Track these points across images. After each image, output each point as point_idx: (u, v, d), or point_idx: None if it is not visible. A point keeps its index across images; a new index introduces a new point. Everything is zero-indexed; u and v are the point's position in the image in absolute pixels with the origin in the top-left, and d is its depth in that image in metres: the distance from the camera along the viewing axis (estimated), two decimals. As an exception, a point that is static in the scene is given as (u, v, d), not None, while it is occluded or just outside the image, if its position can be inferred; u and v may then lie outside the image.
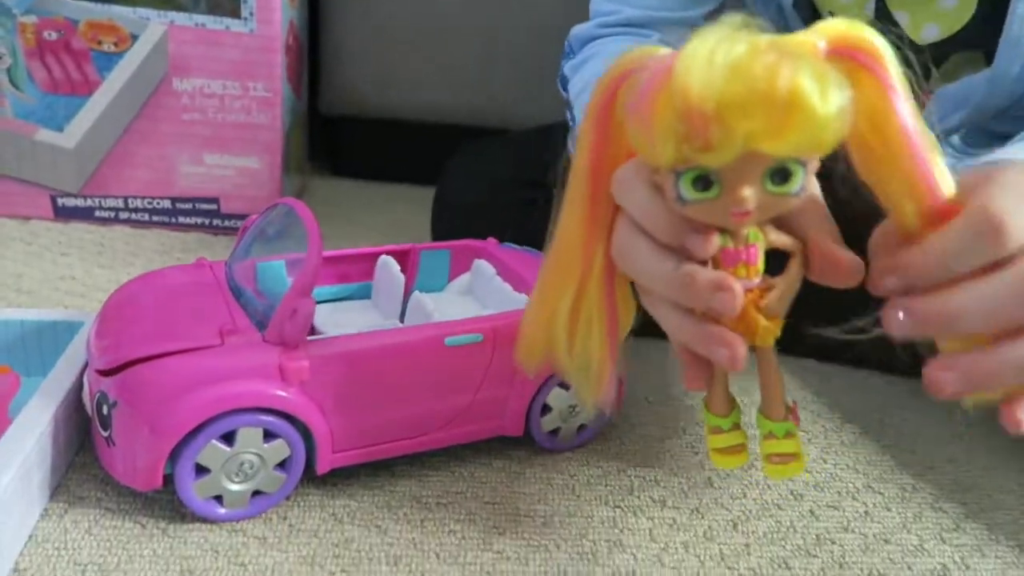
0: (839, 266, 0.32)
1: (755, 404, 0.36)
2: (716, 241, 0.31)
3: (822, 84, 0.27)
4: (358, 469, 0.46)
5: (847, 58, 0.30)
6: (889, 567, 0.43)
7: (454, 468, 0.48)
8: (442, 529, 0.43)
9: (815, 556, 0.43)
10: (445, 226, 0.74)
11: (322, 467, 0.43)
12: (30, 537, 0.39)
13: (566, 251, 0.35)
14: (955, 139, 0.56)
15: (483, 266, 0.54)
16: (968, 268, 0.30)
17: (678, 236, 0.32)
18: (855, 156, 0.33)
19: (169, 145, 0.77)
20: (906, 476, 0.51)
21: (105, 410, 0.40)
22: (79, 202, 0.78)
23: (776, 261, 0.33)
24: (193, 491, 0.40)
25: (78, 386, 0.45)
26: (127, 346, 0.41)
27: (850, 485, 0.50)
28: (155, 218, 0.79)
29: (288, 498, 0.44)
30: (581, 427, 0.50)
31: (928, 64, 0.57)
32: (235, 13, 0.74)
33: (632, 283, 0.36)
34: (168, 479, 0.40)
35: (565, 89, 0.62)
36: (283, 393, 0.41)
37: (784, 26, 0.61)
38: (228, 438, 0.40)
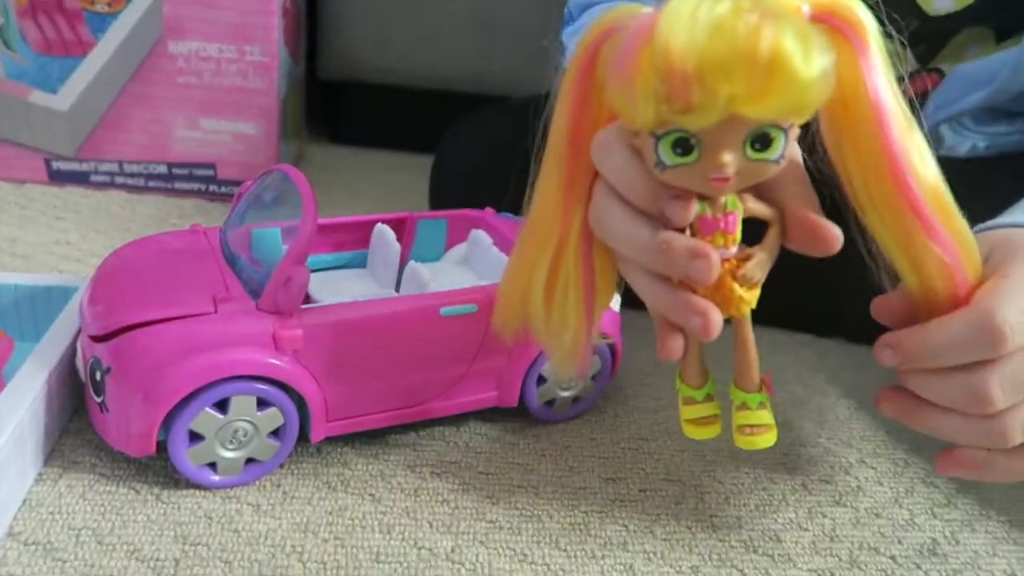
0: (818, 235, 0.32)
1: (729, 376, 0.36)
2: (695, 208, 0.31)
3: (805, 46, 0.26)
4: (352, 438, 0.46)
5: (828, 25, 0.29)
6: (879, 541, 0.43)
7: (448, 438, 0.48)
8: (435, 498, 0.43)
9: (806, 529, 0.44)
10: (443, 194, 0.73)
11: (316, 436, 0.43)
12: (24, 501, 0.39)
13: (543, 217, 0.35)
14: (965, 117, 0.55)
15: (480, 236, 0.54)
16: (960, 362, 0.34)
17: (656, 202, 0.31)
18: (824, 130, 0.32)
19: (165, 109, 0.76)
20: (899, 451, 0.51)
21: (98, 376, 0.40)
22: (74, 166, 0.77)
23: (753, 231, 0.33)
24: (187, 458, 0.40)
25: (72, 351, 0.44)
26: (120, 312, 0.41)
27: (843, 460, 0.50)
28: (151, 183, 0.79)
29: (282, 466, 0.44)
30: (576, 398, 0.50)
31: (937, 36, 0.57)
32: (231, -26, 0.73)
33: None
34: (162, 445, 0.40)
35: (564, 56, 0.61)
36: (277, 361, 0.41)
37: None
38: (222, 406, 0.40)
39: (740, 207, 0.32)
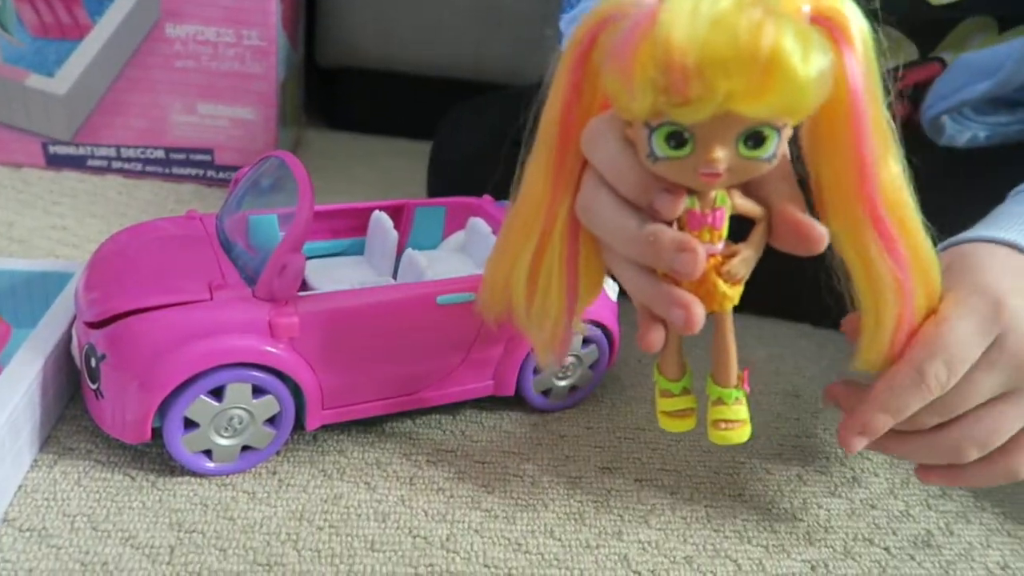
0: (804, 234, 0.32)
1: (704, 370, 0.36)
2: (684, 202, 0.31)
3: (804, 46, 0.26)
4: (348, 425, 0.46)
5: (825, 28, 0.29)
6: (874, 532, 0.43)
7: (445, 426, 0.48)
8: (431, 487, 0.43)
9: (801, 520, 0.44)
10: (441, 182, 0.73)
11: (311, 424, 0.43)
12: (19, 487, 0.39)
13: (531, 203, 0.35)
14: (966, 108, 0.55)
15: (478, 224, 0.53)
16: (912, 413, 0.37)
17: (646, 194, 0.31)
18: (803, 130, 0.33)
19: (162, 93, 0.76)
20: (895, 442, 0.51)
21: (93, 363, 0.40)
22: (71, 150, 0.77)
23: (737, 228, 0.33)
24: (182, 445, 0.40)
25: (67, 337, 0.44)
26: (115, 299, 0.41)
27: (839, 450, 0.50)
28: (148, 168, 0.78)
29: (278, 453, 0.44)
30: (573, 387, 0.50)
31: (939, 25, 0.56)
32: (229, -43, 0.72)
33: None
34: (157, 432, 0.40)
35: (561, 44, 0.60)
36: (272, 349, 0.40)
37: None
38: (217, 393, 0.40)
39: (728, 203, 0.32)
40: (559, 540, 0.40)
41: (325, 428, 0.45)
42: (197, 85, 0.76)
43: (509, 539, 0.40)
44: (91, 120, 0.76)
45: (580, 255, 0.36)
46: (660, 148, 0.29)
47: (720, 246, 0.32)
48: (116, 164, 0.78)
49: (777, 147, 0.29)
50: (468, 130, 0.75)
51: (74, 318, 0.44)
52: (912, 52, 0.57)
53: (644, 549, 0.41)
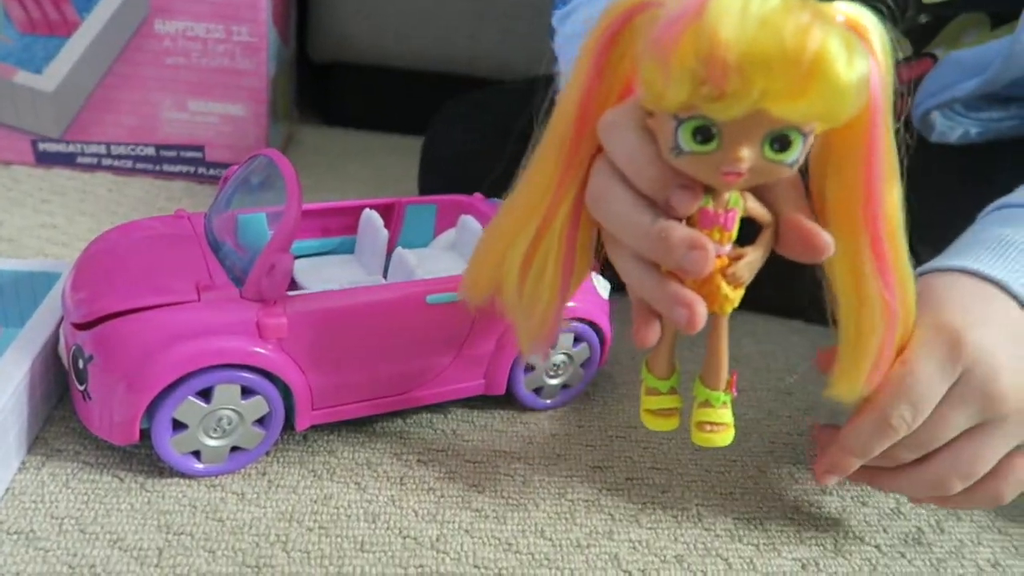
0: (811, 243, 0.32)
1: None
2: (700, 199, 0.31)
3: (849, 51, 0.26)
4: (339, 425, 0.46)
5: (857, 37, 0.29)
6: (865, 529, 0.43)
7: (436, 425, 0.47)
8: (421, 487, 0.43)
9: (792, 518, 0.44)
10: (433, 179, 0.73)
11: (301, 424, 0.43)
12: (7, 490, 0.39)
13: (537, 186, 0.34)
14: (957, 104, 0.55)
15: (469, 221, 0.53)
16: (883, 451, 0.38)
17: (664, 188, 0.31)
18: (816, 142, 0.32)
19: (152, 90, 0.75)
20: (887, 439, 0.51)
21: (81, 364, 0.40)
22: (61, 147, 0.77)
23: (740, 231, 0.33)
24: (170, 446, 0.40)
25: (55, 338, 0.44)
26: (103, 300, 0.40)
27: (831, 448, 0.50)
28: (139, 165, 0.78)
29: (268, 453, 0.44)
30: (564, 386, 0.50)
31: (933, 21, 0.56)
32: (218, -48, 0.71)
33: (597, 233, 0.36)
34: (146, 433, 0.40)
35: (553, 40, 0.60)
36: (260, 350, 0.40)
37: None
38: (206, 394, 0.40)
39: (742, 205, 0.32)
40: (549, 540, 0.40)
41: (315, 428, 0.45)
42: (187, 82, 0.75)
43: (499, 539, 0.40)
44: (81, 117, 0.76)
45: (578, 244, 0.35)
46: (686, 142, 0.29)
47: (728, 247, 0.32)
48: (106, 161, 0.77)
49: (800, 153, 0.29)
50: (460, 126, 0.74)
51: (62, 319, 0.44)
52: (906, 48, 0.57)
53: (635, 548, 0.40)
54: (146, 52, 0.74)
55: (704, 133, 0.28)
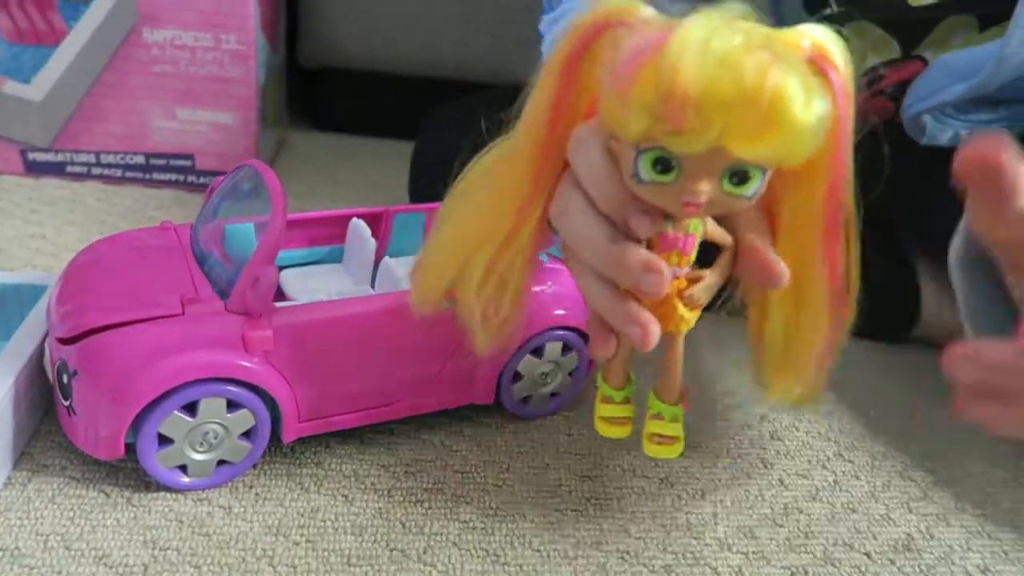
0: (768, 271, 0.32)
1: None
2: (659, 224, 0.31)
3: (807, 93, 0.27)
4: (327, 436, 0.46)
5: (818, 68, 0.29)
6: (854, 537, 0.43)
7: (424, 436, 0.47)
8: (409, 498, 0.42)
9: (781, 526, 0.44)
10: (424, 183, 0.73)
11: (288, 436, 0.43)
12: (-8, 506, 0.39)
13: (502, 198, 0.34)
14: (947, 107, 0.55)
15: (457, 230, 0.53)
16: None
17: (622, 209, 0.31)
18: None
19: (141, 99, 0.75)
20: (877, 444, 0.51)
21: (65, 379, 0.40)
22: (50, 157, 0.76)
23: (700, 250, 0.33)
24: (156, 461, 0.40)
25: (41, 351, 0.44)
26: (86, 314, 0.40)
27: (821, 454, 0.50)
28: (128, 174, 0.78)
29: (255, 466, 0.43)
30: (553, 394, 0.50)
31: (922, 24, 0.56)
32: (206, -40, 0.71)
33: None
34: (131, 448, 0.40)
35: (542, 45, 0.60)
36: (246, 363, 0.40)
37: None
38: (191, 408, 0.40)
39: (701, 231, 0.32)
40: (537, 551, 0.40)
41: (302, 440, 0.45)
42: (176, 90, 0.75)
43: (487, 550, 0.40)
44: (69, 126, 0.75)
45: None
46: (646, 171, 0.29)
47: (685, 269, 0.32)
48: (96, 170, 0.77)
49: (759, 187, 0.30)
50: (450, 131, 0.74)
51: (47, 332, 0.44)
52: (895, 50, 0.57)
53: (623, 559, 0.40)
54: (134, 61, 0.74)
55: (664, 164, 0.29)
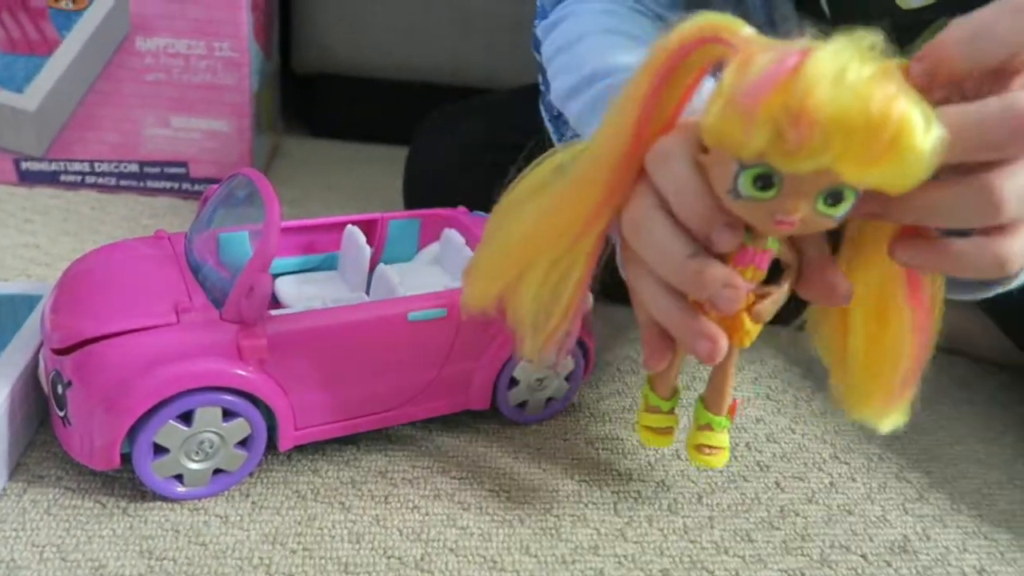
0: (834, 291, 0.33)
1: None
2: (741, 238, 0.31)
3: (927, 122, 0.27)
4: (323, 444, 0.45)
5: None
6: (851, 539, 0.43)
7: (421, 443, 0.47)
8: (406, 505, 0.42)
9: (778, 528, 0.44)
10: (418, 189, 0.73)
11: (284, 444, 0.43)
12: (-13, 518, 0.39)
13: (573, 207, 0.34)
14: None
15: (452, 236, 0.53)
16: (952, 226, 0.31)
17: (709, 225, 0.31)
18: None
19: (134, 107, 0.75)
20: (873, 446, 0.51)
21: (60, 389, 0.40)
22: (44, 166, 0.76)
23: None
24: (152, 471, 0.40)
25: (36, 362, 0.44)
26: (80, 325, 0.40)
27: (817, 456, 0.50)
28: (123, 182, 0.78)
29: (252, 475, 0.43)
30: (549, 399, 0.50)
31: (912, 26, 0.56)
32: (198, -32, 0.71)
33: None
34: (127, 458, 0.40)
35: (538, 51, 0.60)
36: (241, 372, 0.40)
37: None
38: (186, 417, 0.40)
39: (778, 247, 0.32)
40: (535, 556, 0.40)
41: (299, 447, 0.45)
42: (169, 98, 0.75)
43: (484, 557, 0.40)
44: (63, 135, 0.75)
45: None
46: (746, 187, 0.29)
47: (754, 285, 0.32)
48: (90, 179, 0.77)
49: (850, 209, 0.29)
50: (445, 137, 0.74)
51: (42, 343, 0.44)
52: (886, 52, 0.57)
53: (620, 563, 0.40)
54: (128, 69, 0.74)
55: (765, 181, 0.28)
